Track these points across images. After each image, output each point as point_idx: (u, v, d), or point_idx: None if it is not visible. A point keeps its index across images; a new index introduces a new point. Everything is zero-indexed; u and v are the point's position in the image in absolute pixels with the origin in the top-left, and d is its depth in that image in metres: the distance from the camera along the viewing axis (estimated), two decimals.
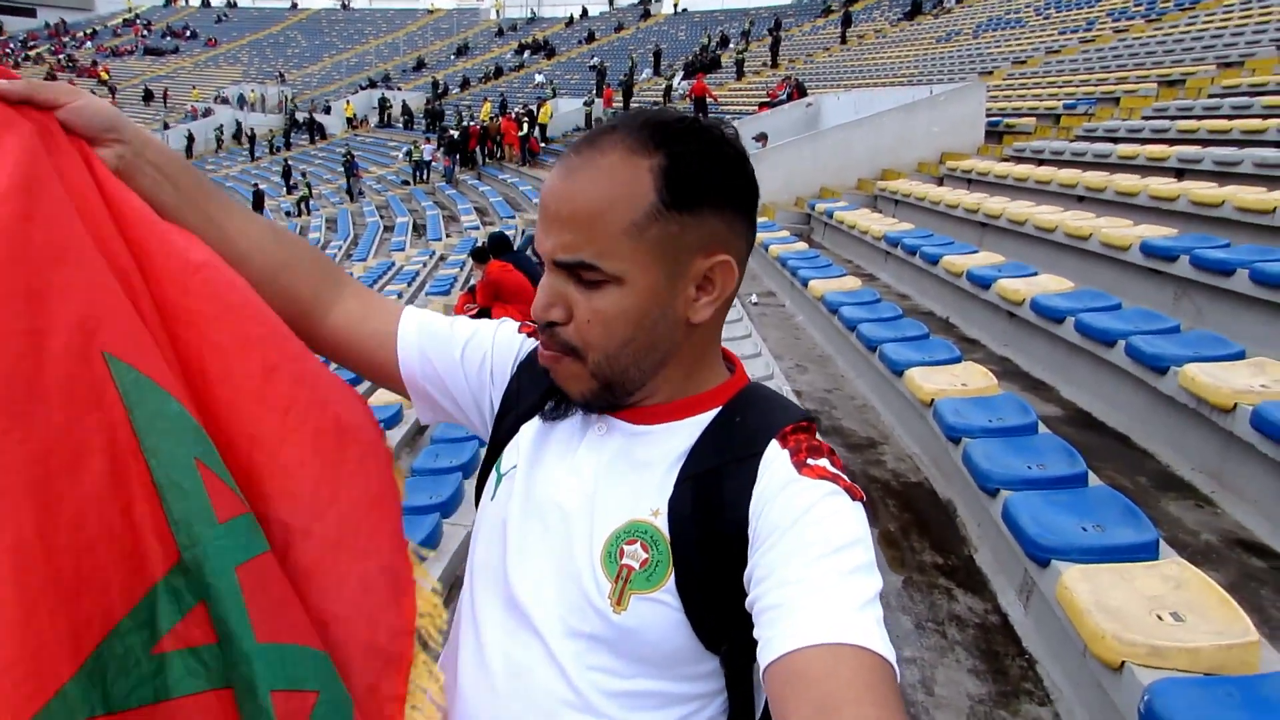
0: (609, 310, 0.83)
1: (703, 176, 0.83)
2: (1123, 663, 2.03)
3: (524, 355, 1.05)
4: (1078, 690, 2.38)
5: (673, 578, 0.83)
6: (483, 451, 1.08)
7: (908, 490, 3.96)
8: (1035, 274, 5.63)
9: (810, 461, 0.83)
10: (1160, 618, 2.14)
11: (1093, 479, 3.03)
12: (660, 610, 0.84)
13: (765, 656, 0.72)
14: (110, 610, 0.68)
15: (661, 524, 0.85)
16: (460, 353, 1.05)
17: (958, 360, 4.43)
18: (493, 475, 1.00)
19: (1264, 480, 3.16)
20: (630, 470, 0.89)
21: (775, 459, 0.84)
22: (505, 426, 1.02)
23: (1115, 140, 9.30)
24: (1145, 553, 2.46)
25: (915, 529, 3.58)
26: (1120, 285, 5.51)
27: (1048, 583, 2.49)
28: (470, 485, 3.92)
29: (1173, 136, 8.55)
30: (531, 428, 0.98)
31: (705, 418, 0.90)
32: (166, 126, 38.06)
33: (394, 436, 5.88)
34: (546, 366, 0.89)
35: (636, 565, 0.84)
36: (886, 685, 0.68)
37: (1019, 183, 8.91)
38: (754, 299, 8.11)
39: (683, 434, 0.89)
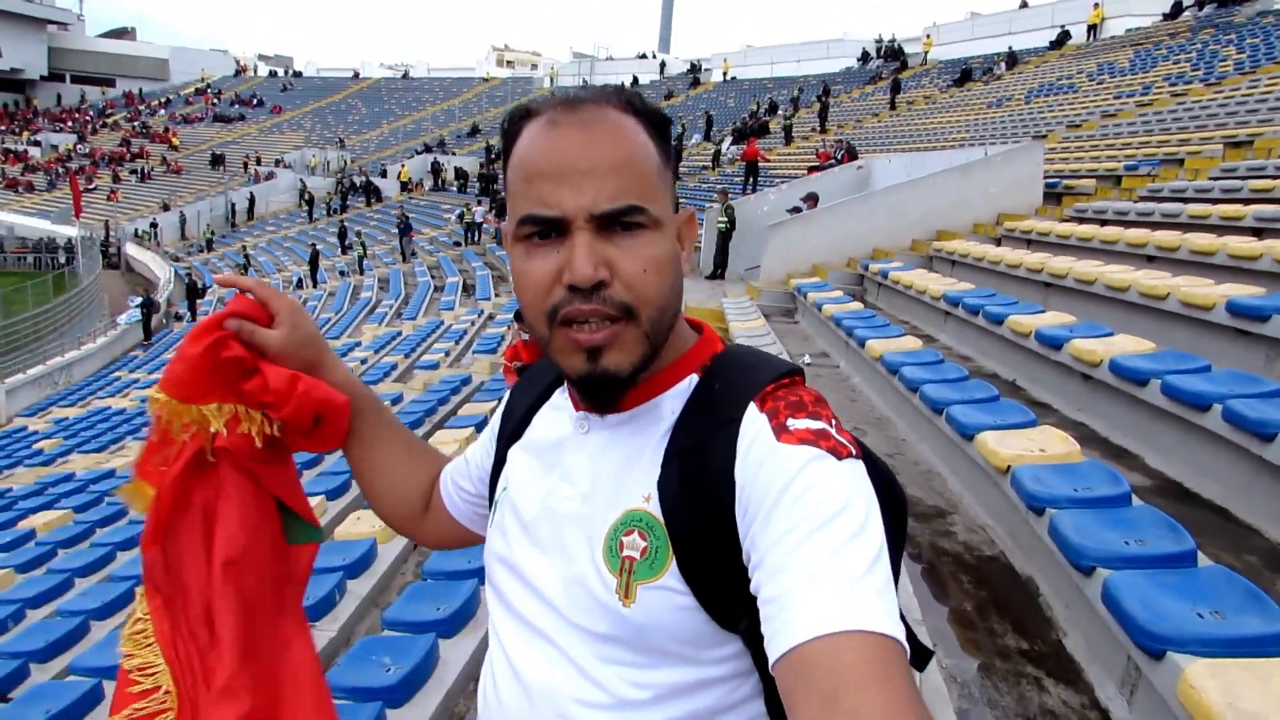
0: (659, 255, 0.81)
1: (669, 142, 0.88)
2: None
3: (513, 389, 1.07)
4: None
5: (674, 562, 0.81)
6: None
7: (982, 565, 3.63)
8: (1111, 334, 5.31)
9: (790, 424, 0.79)
10: None
11: (1201, 559, 2.71)
12: (668, 597, 0.81)
13: (770, 655, 0.70)
14: None
15: (654, 509, 0.83)
16: (478, 459, 1.10)
17: (1033, 424, 4.13)
18: (494, 502, 1.01)
19: None
20: (618, 460, 0.87)
21: (753, 425, 0.81)
22: (499, 451, 1.03)
23: (1184, 200, 8.98)
24: (1278, 645, 2.13)
25: (994, 609, 3.25)
26: (1201, 347, 5.15)
27: (1163, 678, 2.17)
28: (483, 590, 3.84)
29: (1246, 196, 8.21)
30: (520, 448, 0.99)
31: (682, 390, 0.88)
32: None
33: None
34: (594, 345, 0.80)
35: (637, 555, 0.82)
36: (891, 663, 0.66)
37: (1083, 242, 8.60)
38: (807, 359, 7.86)
39: (662, 411, 0.87)
